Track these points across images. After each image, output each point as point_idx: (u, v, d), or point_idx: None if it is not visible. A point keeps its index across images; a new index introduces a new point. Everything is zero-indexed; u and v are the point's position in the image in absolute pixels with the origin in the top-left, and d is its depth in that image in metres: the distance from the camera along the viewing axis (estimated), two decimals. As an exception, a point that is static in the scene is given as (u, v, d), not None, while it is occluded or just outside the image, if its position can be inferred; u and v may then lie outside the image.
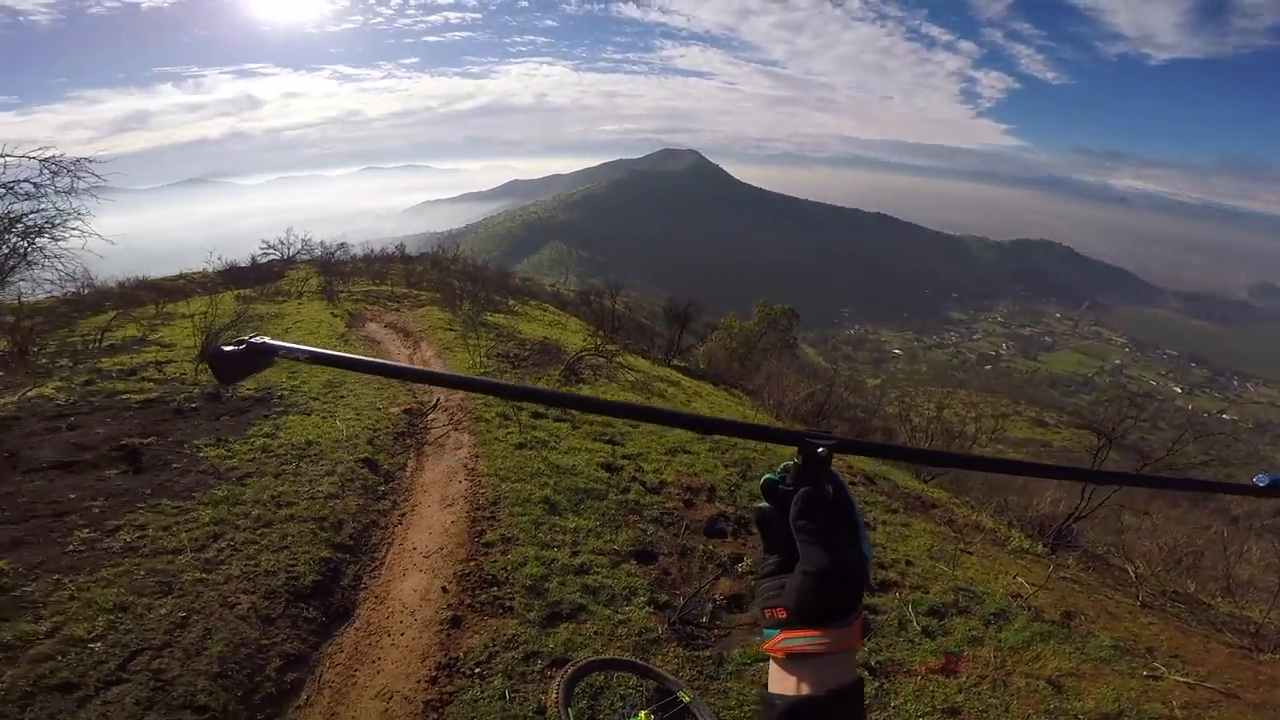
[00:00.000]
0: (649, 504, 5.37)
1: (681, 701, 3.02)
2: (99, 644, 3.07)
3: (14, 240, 7.48)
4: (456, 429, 6.53)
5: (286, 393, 6.77)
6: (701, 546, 4.89)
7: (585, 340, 14.25)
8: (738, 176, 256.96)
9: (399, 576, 4.16)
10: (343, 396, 7.02)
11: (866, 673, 3.85)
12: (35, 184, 7.09)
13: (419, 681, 3.28)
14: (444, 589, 3.94)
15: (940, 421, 16.56)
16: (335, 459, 5.38)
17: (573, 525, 4.80)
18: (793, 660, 0.64)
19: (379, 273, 21.44)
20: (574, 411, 7.39)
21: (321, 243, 20.62)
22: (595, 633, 3.72)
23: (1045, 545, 7.17)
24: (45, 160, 7.04)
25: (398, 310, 14.83)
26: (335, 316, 12.65)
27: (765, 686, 0.67)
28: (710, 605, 4.18)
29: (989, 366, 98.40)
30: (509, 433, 6.42)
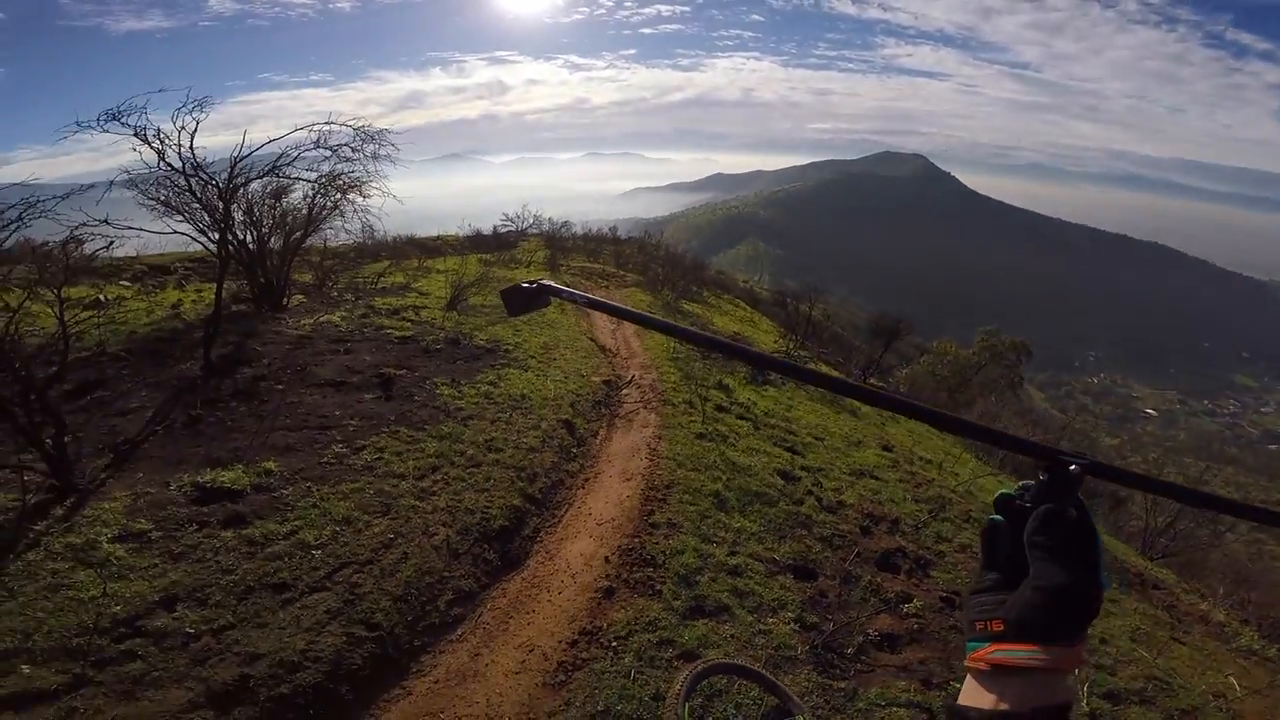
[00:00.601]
0: (821, 521, 5.14)
1: None
2: (319, 552, 3.61)
3: (333, 194, 9.34)
4: (646, 407, 6.82)
5: (511, 348, 7.65)
6: (869, 577, 4.56)
7: (776, 342, 13.93)
8: (972, 186, 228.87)
9: (571, 538, 4.45)
10: (555, 360, 7.74)
11: None
12: (352, 149, 8.68)
13: (560, 642, 3.46)
14: (606, 559, 4.14)
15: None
16: (542, 415, 5.96)
17: (737, 525, 4.77)
18: (997, 674, 0.61)
19: (593, 251, 23.18)
20: (757, 411, 7.28)
21: (549, 219, 22.88)
22: (732, 635, 3.68)
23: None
24: (358, 129, 8.60)
25: (606, 288, 15.91)
26: (555, 286, 14.00)
27: (954, 699, 0.65)
28: (861, 638, 3.90)
29: (1275, 446, 75.55)
30: (692, 420, 6.54)
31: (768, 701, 3.16)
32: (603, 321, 11.77)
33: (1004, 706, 0.60)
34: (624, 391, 7.38)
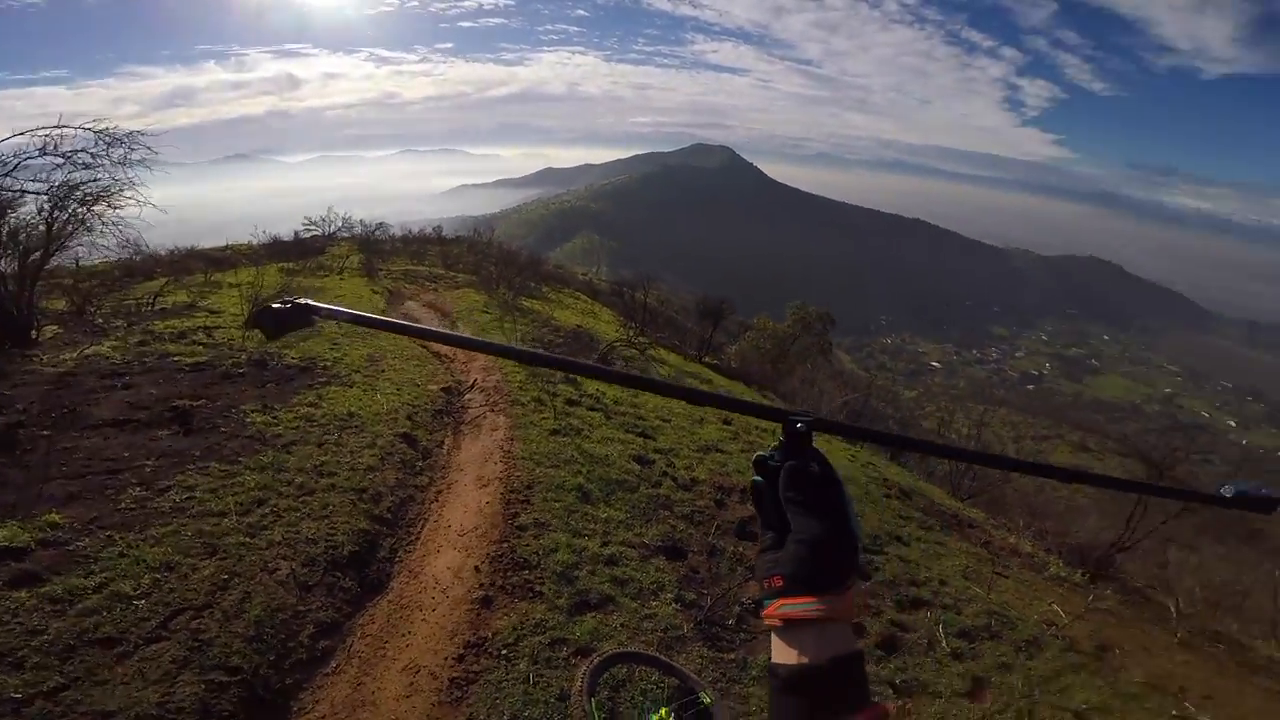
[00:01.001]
0: (680, 500, 5.32)
1: (702, 702, 2.96)
2: (143, 601, 3.14)
3: (73, 207, 7.75)
4: (493, 410, 6.56)
5: (329, 364, 6.88)
6: (731, 548, 4.82)
7: (618, 331, 14.24)
8: (772, 175, 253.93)
9: (433, 553, 4.18)
10: (383, 371, 7.12)
11: (891, 690, 3.80)
12: (92, 154, 7.28)
13: (446, 658, 3.29)
14: (476, 568, 3.95)
15: (980, 441, 16.08)
16: (376, 432, 5.45)
17: (604, 515, 4.78)
18: (791, 630, 0.64)
19: (417, 253, 21.76)
20: (607, 401, 7.37)
21: (361, 221, 21.03)
22: (621, 625, 3.70)
23: (1084, 574, 6.90)
24: (100, 132, 7.25)
25: (435, 290, 15.03)
26: (375, 293, 12.89)
27: (770, 659, 0.68)
28: (737, 608, 4.12)
29: (1031, 386, 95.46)
30: (544, 417, 6.43)
31: (669, 683, 3.21)
32: (434, 323, 11.11)
33: (805, 660, 0.63)
34: (467, 396, 7.02)
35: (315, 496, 4.34)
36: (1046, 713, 3.83)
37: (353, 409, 5.81)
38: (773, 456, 0.70)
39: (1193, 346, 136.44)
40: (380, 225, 21.90)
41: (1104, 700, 4.06)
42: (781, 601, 0.65)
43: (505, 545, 4.20)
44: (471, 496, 4.88)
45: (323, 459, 4.81)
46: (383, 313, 9.14)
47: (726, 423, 8.02)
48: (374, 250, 18.97)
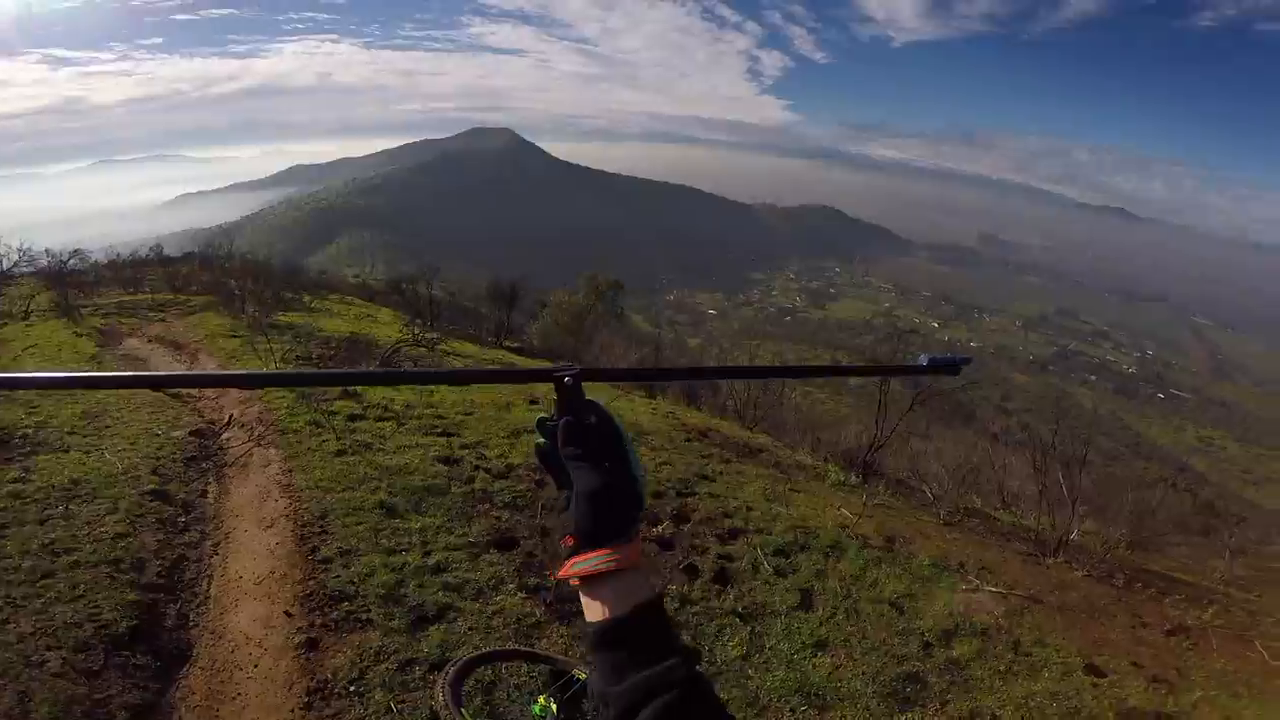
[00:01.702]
0: (499, 490, 5.30)
1: (578, 679, 2.86)
2: None
3: None
4: (261, 445, 6.01)
5: (30, 430, 5.67)
6: (561, 524, 4.95)
7: (401, 331, 13.57)
8: (555, 153, 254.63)
9: (231, 608, 3.84)
10: (108, 426, 6.06)
11: (737, 619, 4.04)
12: None
13: (292, 710, 3.13)
14: (287, 613, 3.73)
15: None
16: (114, 495, 4.71)
17: (418, 525, 4.64)
18: (591, 585, 0.65)
19: (132, 280, 18.08)
20: (397, 407, 7.15)
21: (47, 251, 16.77)
22: (470, 629, 3.66)
23: (858, 476, 7.65)
24: None
25: (164, 320, 12.78)
26: (80, 336, 10.56)
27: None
28: None
29: (788, 318, 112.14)
30: (324, 441, 6.05)
31: (540, 670, 3.19)
32: (166, 359, 9.57)
33: (608, 614, 0.63)
34: (225, 436, 6.32)
35: (57, 578, 3.71)
36: (868, 607, 4.24)
37: (76, 475, 4.92)
38: (551, 416, 0.69)
39: (899, 269, 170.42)
40: (76, 253, 17.65)
41: (907, 586, 4.56)
42: (574, 560, 0.65)
43: (312, 582, 3.97)
44: (257, 541, 4.51)
45: (52, 536, 4.08)
46: (94, 358, 7.70)
47: (533, 402, 8.02)
48: (70, 284, 15.30)
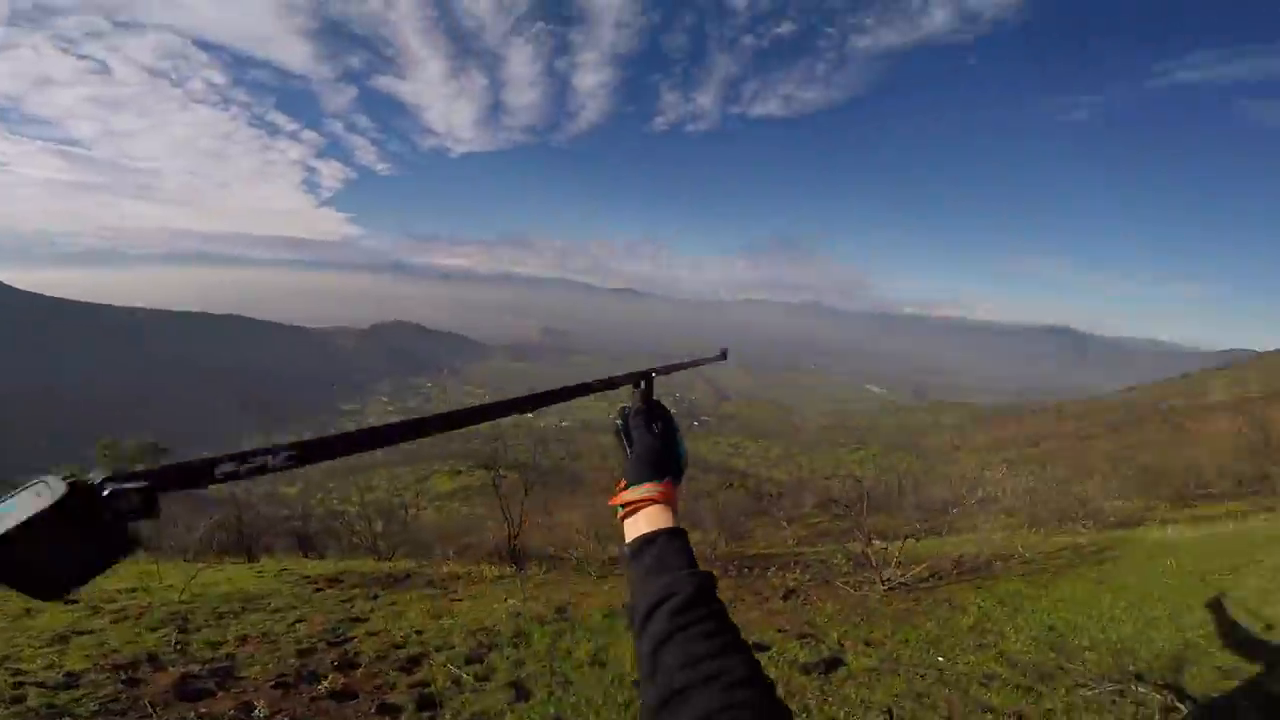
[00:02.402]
0: (72, 701, 3.70)
1: None
2: None
3: None
4: None
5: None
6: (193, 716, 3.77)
7: None
8: (18, 284, 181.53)
9: None
10: None
11: None
12: None
13: None
14: None
15: (375, 505, 16.93)
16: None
17: None
18: (631, 515, 0.83)
19: None
20: None
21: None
22: None
23: (511, 566, 7.97)
24: None
25: None
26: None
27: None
28: None
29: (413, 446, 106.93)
30: None
31: None
32: None
33: (638, 533, 0.80)
34: None
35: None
36: (575, 673, 4.39)
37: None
38: (628, 406, 0.99)
39: (485, 372, 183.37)
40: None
41: (597, 642, 4.77)
42: (621, 495, 0.85)
43: None
44: None
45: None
46: None
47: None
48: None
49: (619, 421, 0.99)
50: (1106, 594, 6.18)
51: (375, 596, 6.70)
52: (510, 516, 8.88)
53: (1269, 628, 4.83)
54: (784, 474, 62.01)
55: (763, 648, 4.56)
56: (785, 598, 5.59)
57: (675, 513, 0.83)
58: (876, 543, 6.91)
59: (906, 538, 7.39)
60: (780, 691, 3.79)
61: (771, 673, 4.04)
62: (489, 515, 15.21)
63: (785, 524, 11.88)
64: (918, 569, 6.31)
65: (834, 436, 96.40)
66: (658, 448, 0.91)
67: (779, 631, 4.86)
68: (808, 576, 6.20)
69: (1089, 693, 3.78)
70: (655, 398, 1.03)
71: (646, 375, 1.02)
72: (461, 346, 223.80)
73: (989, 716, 3.85)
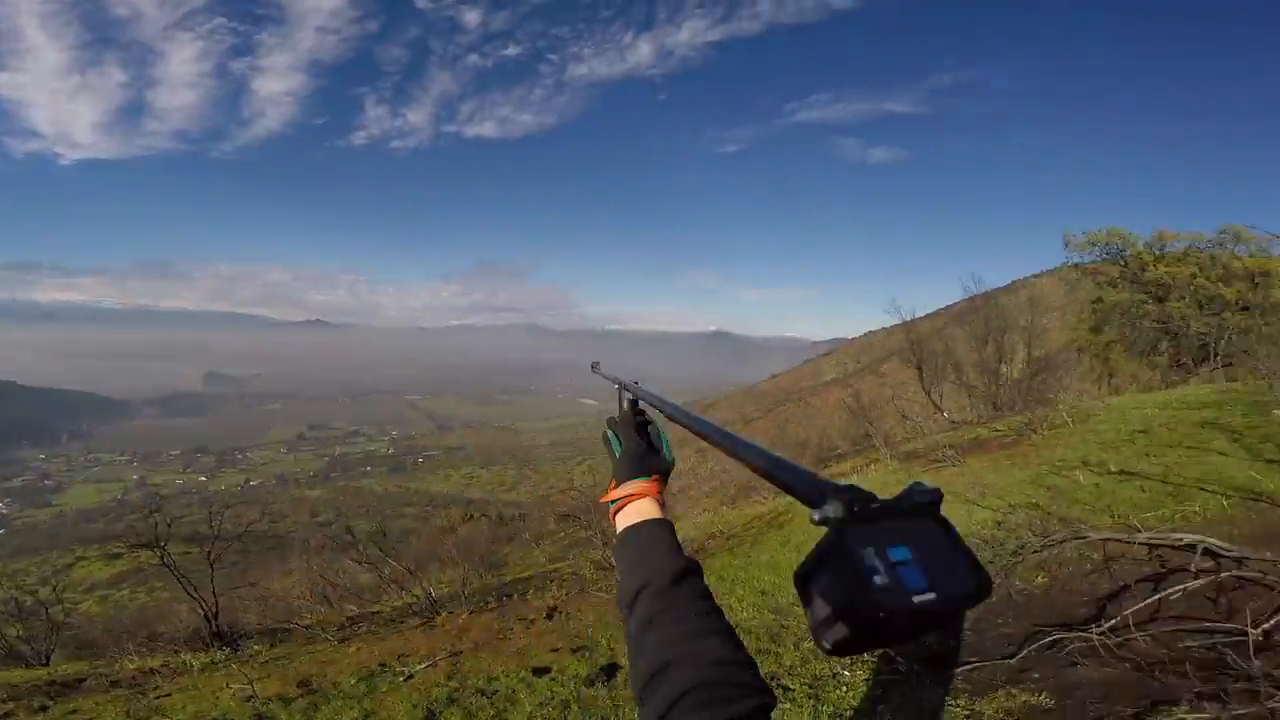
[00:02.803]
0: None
1: None
2: None
3: None
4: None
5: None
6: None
7: None
8: None
9: None
10: None
11: None
12: None
13: None
14: None
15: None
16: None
17: None
18: (621, 511, 0.89)
19: None
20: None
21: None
22: None
23: (223, 649, 7.13)
24: None
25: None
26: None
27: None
28: None
29: (2, 530, 75.82)
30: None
31: None
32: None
33: (627, 524, 0.87)
34: None
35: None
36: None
37: None
38: (612, 417, 1.05)
39: (128, 435, 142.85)
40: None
41: (360, 707, 4.51)
42: (610, 493, 0.92)
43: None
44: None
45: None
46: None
47: None
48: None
49: (607, 429, 1.05)
50: (792, 552, 6.72)
51: (43, 709, 5.50)
52: (199, 597, 7.86)
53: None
54: (523, 495, 62.50)
55: (542, 670, 4.58)
56: (549, 616, 5.69)
57: (663, 506, 0.90)
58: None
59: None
60: (574, 708, 3.93)
61: (559, 691, 4.21)
62: (176, 599, 12.65)
63: (535, 544, 12.26)
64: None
65: (561, 452, 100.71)
66: (644, 450, 0.98)
67: (552, 651, 4.87)
68: (565, 591, 6.37)
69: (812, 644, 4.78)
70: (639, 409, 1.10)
71: (628, 385, 1.10)
72: (87, 405, 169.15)
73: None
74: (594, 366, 1.47)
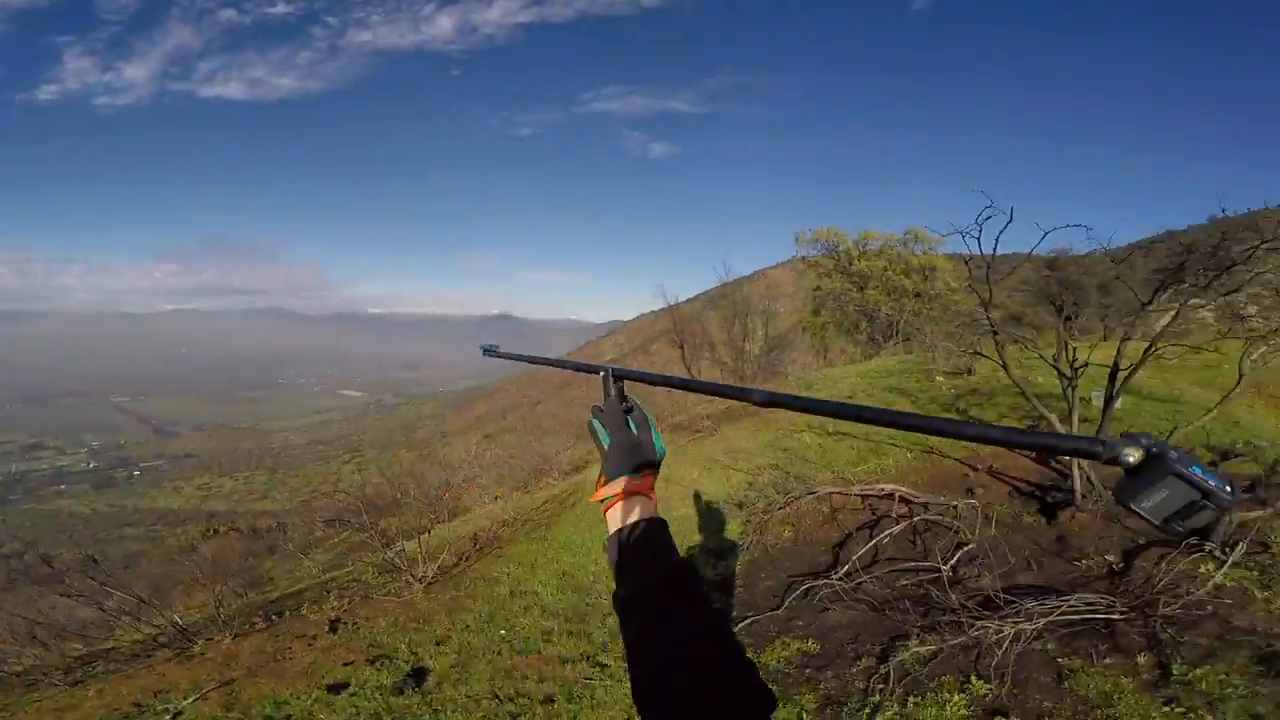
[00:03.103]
0: None
1: None
2: None
3: None
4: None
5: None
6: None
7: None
8: None
9: None
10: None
11: None
12: None
13: None
14: None
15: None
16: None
17: None
18: (612, 509, 0.87)
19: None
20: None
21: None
22: None
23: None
24: None
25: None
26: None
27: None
28: None
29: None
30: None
31: None
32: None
33: (618, 524, 0.85)
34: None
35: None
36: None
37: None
38: (597, 405, 0.98)
39: None
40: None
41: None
42: (599, 491, 0.89)
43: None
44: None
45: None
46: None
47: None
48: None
49: (593, 419, 1.00)
50: (586, 531, 6.81)
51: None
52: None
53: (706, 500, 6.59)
54: (278, 503, 55.18)
55: (339, 686, 4.32)
56: (333, 629, 5.45)
57: (654, 502, 0.89)
58: (399, 545, 7.46)
59: (423, 532, 7.77)
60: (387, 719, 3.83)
61: (365, 705, 4.01)
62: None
63: (302, 555, 11.01)
64: (442, 557, 6.66)
65: (322, 451, 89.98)
66: (634, 442, 0.93)
67: (345, 665, 4.65)
68: (347, 601, 6.16)
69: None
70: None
71: (616, 372, 1.02)
72: None
73: (567, 666, 4.11)
74: (486, 350, 1.47)
